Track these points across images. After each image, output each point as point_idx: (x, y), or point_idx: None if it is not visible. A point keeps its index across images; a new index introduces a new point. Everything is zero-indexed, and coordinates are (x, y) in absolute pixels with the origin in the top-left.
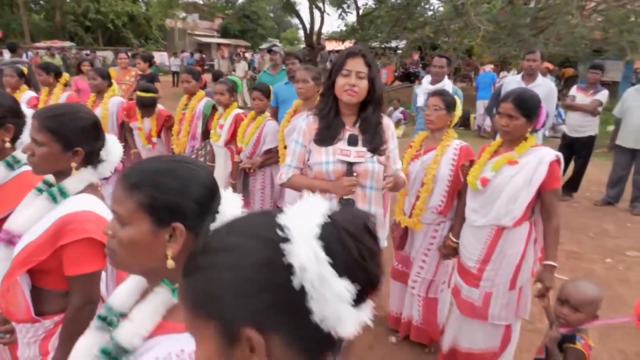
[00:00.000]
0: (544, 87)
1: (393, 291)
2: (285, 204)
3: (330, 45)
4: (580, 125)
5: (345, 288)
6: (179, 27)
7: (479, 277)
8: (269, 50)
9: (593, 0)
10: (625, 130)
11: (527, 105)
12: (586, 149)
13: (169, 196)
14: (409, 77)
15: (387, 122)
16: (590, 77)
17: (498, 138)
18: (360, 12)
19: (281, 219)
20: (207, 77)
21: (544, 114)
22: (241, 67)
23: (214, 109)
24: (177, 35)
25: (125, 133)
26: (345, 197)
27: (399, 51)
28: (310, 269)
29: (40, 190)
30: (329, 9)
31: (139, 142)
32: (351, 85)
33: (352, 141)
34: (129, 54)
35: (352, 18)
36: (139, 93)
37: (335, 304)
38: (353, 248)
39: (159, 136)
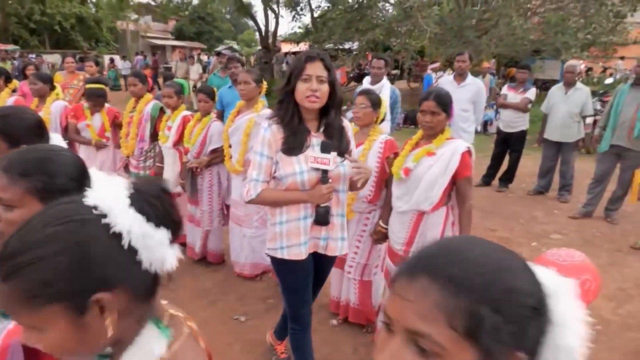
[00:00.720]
0: (474, 85)
1: (332, 277)
2: (232, 201)
3: (285, 47)
4: (512, 121)
5: (163, 235)
6: (131, 29)
7: (405, 258)
8: (218, 53)
9: (532, 3)
10: (551, 125)
11: (445, 102)
12: (519, 143)
13: (57, 180)
14: (364, 78)
15: (347, 124)
16: (519, 76)
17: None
18: (315, 14)
19: (90, 201)
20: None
21: (454, 109)
22: (195, 70)
23: (162, 111)
24: (130, 38)
25: (69, 136)
26: (322, 205)
27: (354, 52)
28: (134, 230)
29: None
30: (283, 11)
31: (89, 139)
32: (313, 90)
33: (326, 148)
34: (77, 57)
35: (306, 20)
36: (88, 85)
37: (159, 249)
38: (159, 205)
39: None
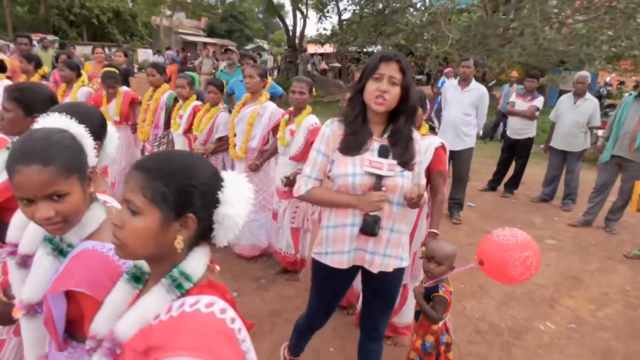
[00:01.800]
0: (477, 91)
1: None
2: None
3: (312, 49)
4: (519, 128)
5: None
6: (165, 24)
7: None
8: (226, 50)
9: (561, 14)
10: (557, 134)
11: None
12: (525, 149)
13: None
14: None
15: (416, 136)
16: (527, 85)
17: None
18: (342, 16)
19: None
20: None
21: (428, 107)
22: (209, 64)
23: (176, 100)
24: (163, 33)
25: None
26: (371, 214)
27: None
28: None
29: None
30: (311, 12)
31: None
32: (382, 90)
33: (384, 153)
34: (113, 49)
35: (333, 21)
36: (104, 69)
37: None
38: None
39: (125, 120)
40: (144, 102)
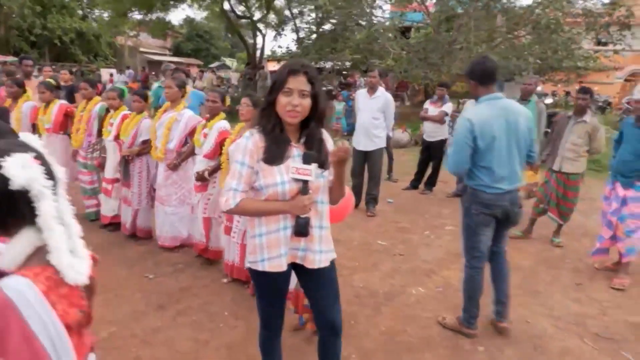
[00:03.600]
0: (383, 97)
1: (226, 243)
2: (157, 184)
3: (272, 66)
4: (432, 132)
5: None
6: (130, 44)
7: None
8: (175, 69)
9: (497, 31)
10: None
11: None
12: (439, 150)
13: None
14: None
15: (326, 136)
16: (437, 92)
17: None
18: (299, 35)
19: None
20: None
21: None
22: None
23: (107, 111)
24: (128, 53)
25: (38, 132)
26: (302, 216)
27: (327, 72)
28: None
29: None
30: (270, 32)
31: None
32: (294, 105)
33: (308, 159)
34: (74, 69)
35: (289, 39)
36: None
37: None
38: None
39: (59, 129)
40: (77, 113)
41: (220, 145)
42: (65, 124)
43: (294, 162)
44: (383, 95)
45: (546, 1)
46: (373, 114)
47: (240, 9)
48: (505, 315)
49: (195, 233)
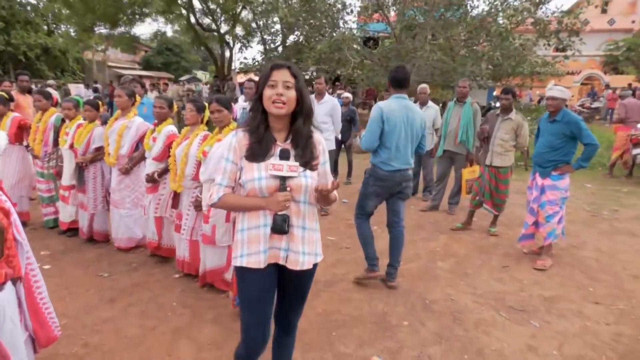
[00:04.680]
0: (330, 102)
1: (177, 241)
2: (114, 190)
3: (240, 78)
4: None
5: None
6: (98, 59)
7: (208, 215)
8: (132, 81)
9: (451, 39)
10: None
11: (225, 102)
12: None
13: None
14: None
15: (319, 138)
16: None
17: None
18: (265, 46)
19: None
20: None
21: (234, 109)
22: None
23: (63, 121)
24: (96, 68)
25: None
26: (280, 213)
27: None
28: None
29: None
30: (238, 44)
31: None
32: (279, 94)
33: (284, 155)
34: (39, 85)
35: (256, 51)
36: None
37: None
38: None
39: (15, 140)
40: (33, 124)
41: (168, 148)
42: (20, 135)
43: (276, 160)
44: (330, 100)
45: (495, 10)
46: (321, 119)
47: (206, 22)
48: (394, 276)
49: (148, 232)
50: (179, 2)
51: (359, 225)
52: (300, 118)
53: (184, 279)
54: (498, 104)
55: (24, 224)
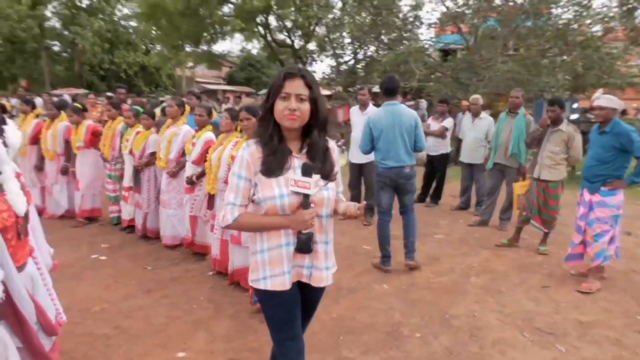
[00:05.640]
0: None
1: (212, 240)
2: (163, 191)
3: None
4: (434, 146)
5: None
6: (187, 75)
7: None
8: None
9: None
10: (463, 149)
11: (253, 111)
12: (441, 164)
13: None
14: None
15: (332, 146)
16: (438, 109)
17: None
18: (337, 60)
19: None
20: None
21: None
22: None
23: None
24: (185, 83)
25: (70, 147)
26: (304, 231)
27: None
28: None
29: None
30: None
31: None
32: (291, 110)
33: (307, 171)
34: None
35: (325, 65)
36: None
37: None
38: None
39: (90, 146)
40: (104, 132)
41: (205, 152)
42: (93, 141)
43: (295, 173)
44: (373, 111)
45: (579, 17)
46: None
47: (281, 38)
48: (412, 256)
49: (184, 229)
50: (257, 20)
51: (380, 224)
52: (315, 130)
53: (216, 276)
54: (574, 116)
55: (96, 220)
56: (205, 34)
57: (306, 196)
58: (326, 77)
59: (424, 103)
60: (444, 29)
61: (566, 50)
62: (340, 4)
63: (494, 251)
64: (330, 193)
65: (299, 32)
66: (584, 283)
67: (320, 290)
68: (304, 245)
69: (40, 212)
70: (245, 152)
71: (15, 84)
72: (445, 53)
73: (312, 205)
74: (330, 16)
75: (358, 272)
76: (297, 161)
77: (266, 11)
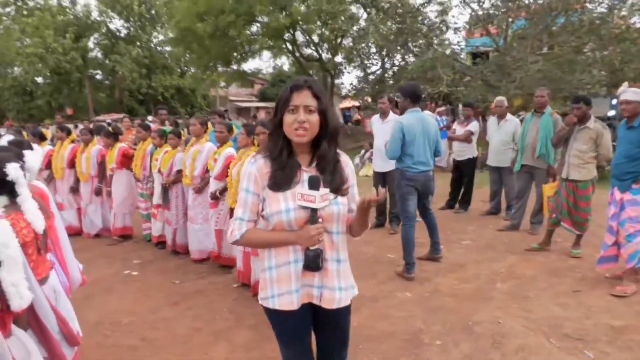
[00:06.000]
0: (394, 121)
1: (236, 253)
2: (189, 207)
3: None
4: (460, 150)
5: None
6: (221, 94)
7: None
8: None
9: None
10: (490, 152)
11: (250, 129)
12: (468, 169)
13: None
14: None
15: (346, 159)
16: (465, 112)
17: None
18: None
19: None
20: None
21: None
22: None
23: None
24: (219, 102)
25: (103, 167)
26: (312, 248)
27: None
28: None
29: None
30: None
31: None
32: (300, 122)
33: (314, 184)
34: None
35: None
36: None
37: None
38: None
39: (122, 166)
40: (136, 153)
41: (226, 168)
42: (125, 162)
43: (302, 187)
44: (394, 119)
45: (612, 10)
46: (386, 137)
47: (308, 52)
48: (438, 250)
49: (210, 243)
50: (285, 37)
51: (406, 231)
52: (324, 142)
53: (240, 288)
54: (611, 113)
55: (130, 237)
56: (235, 54)
57: (313, 210)
58: (354, 87)
59: (459, 109)
60: (472, 32)
61: (601, 45)
62: (365, 15)
63: (522, 256)
64: (340, 208)
65: (326, 46)
66: (618, 286)
67: (340, 312)
68: (312, 263)
69: (78, 232)
70: (252, 166)
71: (62, 113)
72: (475, 56)
73: (319, 220)
74: (355, 27)
75: (380, 281)
76: (305, 175)
77: (292, 27)
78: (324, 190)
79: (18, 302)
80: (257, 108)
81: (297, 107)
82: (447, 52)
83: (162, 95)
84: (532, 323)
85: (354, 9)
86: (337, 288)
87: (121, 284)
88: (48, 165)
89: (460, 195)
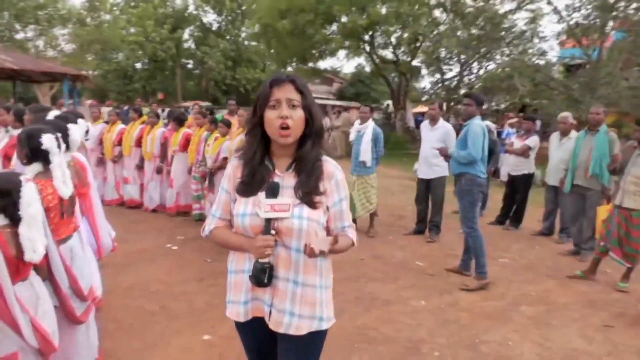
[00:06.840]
0: (444, 128)
1: None
2: None
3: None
4: (516, 165)
5: None
6: None
7: None
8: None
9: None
10: (549, 171)
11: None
12: (523, 185)
13: None
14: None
15: (332, 170)
16: (524, 126)
17: None
18: (443, 76)
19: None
20: None
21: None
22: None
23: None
24: None
25: (165, 148)
26: (261, 260)
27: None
28: None
29: None
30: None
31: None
32: (283, 117)
33: (271, 191)
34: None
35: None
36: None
37: None
38: None
39: (183, 149)
40: (192, 138)
41: None
42: (187, 146)
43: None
44: (443, 126)
45: None
46: (433, 144)
47: (385, 54)
48: (467, 267)
49: None
50: (362, 38)
51: (477, 237)
52: (308, 141)
53: None
54: None
55: (187, 214)
56: (313, 52)
57: (267, 220)
58: (430, 92)
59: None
60: (563, 43)
61: None
62: (447, 20)
63: (562, 282)
64: (303, 223)
65: (403, 48)
66: None
67: (297, 342)
68: (255, 277)
69: (139, 205)
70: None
71: (154, 97)
72: (569, 68)
73: (272, 232)
74: (435, 32)
75: (401, 286)
76: (277, 180)
77: (371, 28)
78: (283, 200)
79: (30, 255)
80: (334, 106)
81: (279, 101)
82: (534, 60)
83: (244, 87)
84: (545, 351)
85: (437, 12)
86: (288, 312)
87: (161, 256)
88: (119, 142)
89: (512, 212)
